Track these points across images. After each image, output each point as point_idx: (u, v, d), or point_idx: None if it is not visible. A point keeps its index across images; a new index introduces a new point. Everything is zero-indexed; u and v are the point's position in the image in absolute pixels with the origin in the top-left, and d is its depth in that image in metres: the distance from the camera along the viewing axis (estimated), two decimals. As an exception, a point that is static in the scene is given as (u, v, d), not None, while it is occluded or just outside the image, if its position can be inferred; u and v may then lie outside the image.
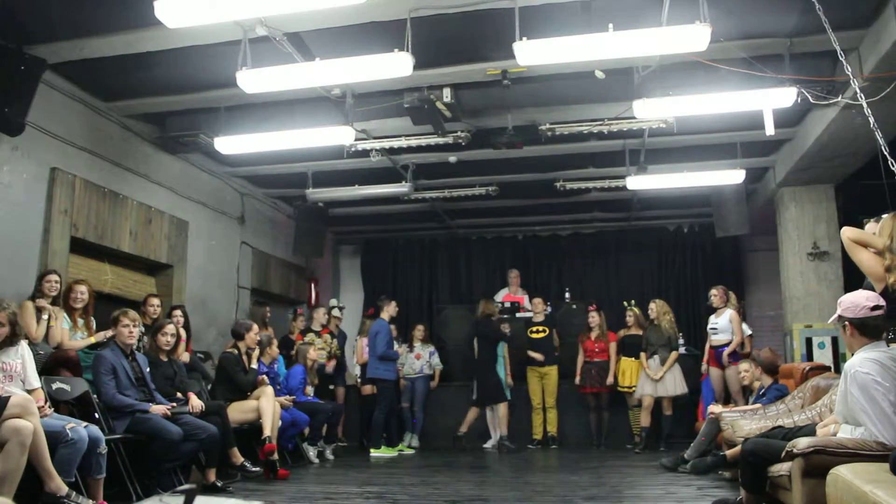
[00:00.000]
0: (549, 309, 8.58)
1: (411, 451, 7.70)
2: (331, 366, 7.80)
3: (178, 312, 6.09)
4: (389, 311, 7.60)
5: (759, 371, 5.54)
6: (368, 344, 7.64)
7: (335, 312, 8.49)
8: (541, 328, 8.11)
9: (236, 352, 5.98)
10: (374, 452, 7.28)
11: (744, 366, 5.82)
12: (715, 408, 5.72)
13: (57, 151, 5.53)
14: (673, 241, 10.24)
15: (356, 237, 11.13)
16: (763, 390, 5.49)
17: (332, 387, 7.83)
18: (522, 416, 8.01)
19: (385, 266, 10.99)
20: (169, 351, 5.26)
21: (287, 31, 4.65)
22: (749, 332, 7.22)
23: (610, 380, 7.66)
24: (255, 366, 6.00)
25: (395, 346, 8.12)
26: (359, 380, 8.08)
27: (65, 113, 5.60)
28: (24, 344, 3.92)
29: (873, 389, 2.78)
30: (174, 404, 4.79)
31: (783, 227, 7.74)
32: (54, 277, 4.93)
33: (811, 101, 5.22)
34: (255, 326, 6.20)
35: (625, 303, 8.11)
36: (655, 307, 7.54)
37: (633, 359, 7.63)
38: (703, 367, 7.21)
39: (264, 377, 5.91)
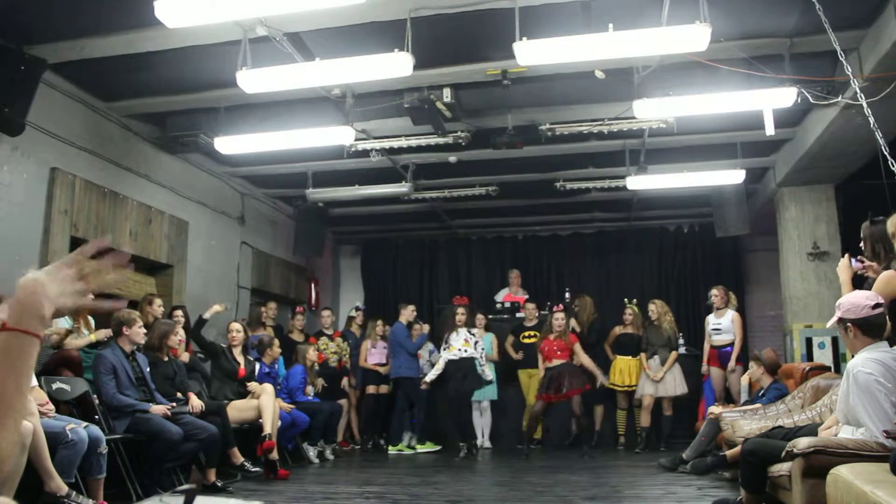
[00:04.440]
0: (544, 313, 8.58)
1: (411, 451, 7.73)
2: (340, 367, 7.87)
3: (178, 313, 6.10)
4: (406, 314, 7.95)
5: (762, 371, 5.54)
6: (389, 347, 7.97)
7: (353, 313, 8.70)
8: (532, 332, 8.09)
9: (223, 345, 6.20)
10: (391, 450, 7.58)
11: (752, 369, 5.79)
12: (715, 408, 5.71)
13: (57, 151, 5.53)
14: (673, 241, 10.23)
15: (356, 237, 11.13)
16: (762, 390, 5.50)
17: (344, 387, 7.90)
18: (515, 416, 8.04)
19: (385, 266, 10.98)
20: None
21: (287, 31, 4.65)
22: None
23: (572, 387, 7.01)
24: (239, 358, 6.13)
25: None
26: (352, 382, 8.10)
27: (65, 113, 5.60)
28: None
29: (875, 390, 2.78)
30: (174, 404, 4.79)
31: (783, 227, 7.74)
32: None
33: (811, 101, 5.22)
34: (235, 325, 6.33)
35: (626, 300, 8.09)
36: (656, 308, 7.53)
37: (628, 357, 7.61)
38: (704, 367, 7.21)
39: (265, 385, 5.93)
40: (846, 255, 3.59)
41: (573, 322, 7.77)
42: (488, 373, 7.32)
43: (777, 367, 5.65)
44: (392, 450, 7.58)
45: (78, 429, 3.68)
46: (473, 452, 7.10)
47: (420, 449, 7.74)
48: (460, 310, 7.40)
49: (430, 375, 7.21)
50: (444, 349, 7.25)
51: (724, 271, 9.55)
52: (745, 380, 6.18)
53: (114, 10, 4.48)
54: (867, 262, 3.46)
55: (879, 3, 4.53)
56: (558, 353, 7.11)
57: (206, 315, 6.07)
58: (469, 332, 7.30)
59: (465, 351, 7.16)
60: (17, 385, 1.00)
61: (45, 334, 1.09)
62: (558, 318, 7.27)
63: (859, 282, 3.55)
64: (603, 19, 4.23)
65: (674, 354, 7.35)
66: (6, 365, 1.00)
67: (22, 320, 1.04)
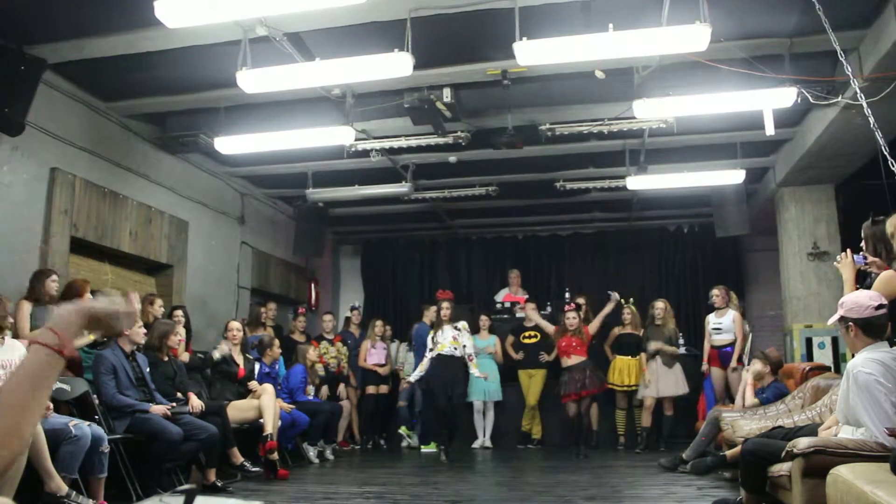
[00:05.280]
0: (547, 310, 8.58)
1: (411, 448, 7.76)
2: (339, 371, 7.89)
3: (179, 312, 6.08)
4: (430, 315, 7.79)
5: (769, 369, 5.54)
6: (416, 348, 7.93)
7: (352, 314, 8.67)
8: (532, 333, 8.10)
9: (226, 348, 6.07)
10: (424, 448, 7.66)
11: (756, 366, 5.73)
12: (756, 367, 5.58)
13: (57, 151, 5.53)
14: (673, 241, 10.24)
15: (356, 237, 11.13)
16: (763, 389, 5.49)
17: (339, 394, 7.91)
18: (515, 416, 8.04)
19: (385, 266, 10.99)
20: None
21: (287, 31, 4.65)
22: (747, 329, 7.22)
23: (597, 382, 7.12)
24: (238, 359, 6.08)
25: (394, 346, 8.41)
26: (352, 382, 8.12)
27: (65, 113, 5.60)
28: (16, 341, 3.94)
29: (875, 390, 2.78)
30: (174, 404, 4.79)
31: (783, 227, 7.74)
32: (54, 277, 4.90)
33: (811, 101, 5.22)
34: (234, 323, 6.28)
35: (622, 300, 8.08)
36: (665, 307, 7.47)
37: (628, 357, 7.60)
38: (704, 366, 7.21)
39: (266, 385, 5.91)
40: (847, 252, 3.59)
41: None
42: (475, 371, 6.89)
43: (779, 366, 5.66)
44: (425, 448, 7.63)
45: (81, 425, 3.71)
46: (446, 455, 6.58)
47: (424, 449, 7.73)
48: (445, 304, 6.81)
49: (415, 375, 6.97)
50: (431, 350, 6.76)
51: (725, 271, 9.54)
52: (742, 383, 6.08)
53: (114, 10, 4.48)
54: (871, 258, 3.46)
55: (879, 3, 4.53)
56: (577, 348, 7.16)
57: (216, 354, 5.95)
58: (455, 328, 6.75)
59: (455, 349, 6.67)
60: (42, 401, 1.02)
61: None
62: (570, 316, 7.29)
63: (862, 277, 3.55)
64: (603, 19, 4.23)
65: (671, 348, 7.35)
66: (42, 382, 1.02)
67: (70, 345, 1.06)
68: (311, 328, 8.57)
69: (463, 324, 6.89)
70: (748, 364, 6.25)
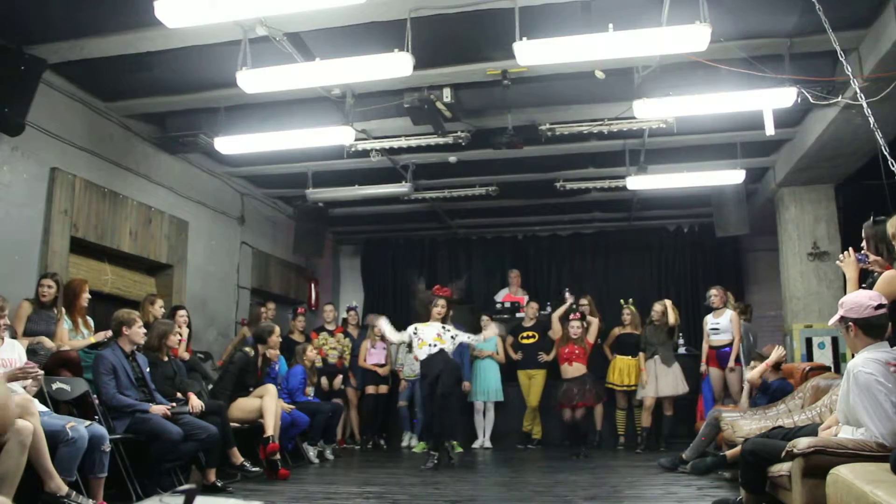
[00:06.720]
0: (546, 310, 8.58)
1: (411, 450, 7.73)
2: (340, 364, 7.85)
3: (182, 312, 6.07)
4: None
5: (768, 368, 5.54)
6: None
7: (348, 314, 8.60)
8: (531, 333, 8.10)
9: (252, 353, 5.97)
10: (416, 449, 7.57)
11: (756, 370, 5.70)
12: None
13: (57, 151, 5.53)
14: (673, 241, 10.24)
15: (356, 237, 11.14)
16: (767, 386, 5.49)
17: (343, 387, 7.88)
18: (515, 416, 8.03)
19: (385, 266, 10.99)
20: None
21: (287, 31, 4.65)
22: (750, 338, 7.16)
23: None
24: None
25: (393, 347, 8.27)
26: (353, 382, 8.10)
27: (65, 113, 5.61)
28: (16, 341, 3.95)
29: (876, 390, 2.78)
30: (174, 404, 4.79)
31: (783, 227, 7.74)
32: (47, 282, 4.87)
33: (811, 101, 5.22)
34: (277, 329, 6.17)
35: (622, 300, 8.08)
36: (670, 308, 7.44)
37: (628, 357, 7.59)
38: (703, 367, 7.21)
39: (268, 386, 5.89)
40: (850, 250, 3.59)
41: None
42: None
43: (782, 362, 5.68)
44: (417, 449, 7.52)
45: (78, 426, 3.68)
46: (452, 458, 6.22)
47: (417, 449, 7.70)
48: (441, 302, 6.36)
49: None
50: (416, 343, 6.31)
51: (724, 271, 9.55)
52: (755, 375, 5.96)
53: (114, 10, 4.49)
54: (872, 257, 3.46)
55: (879, 3, 4.53)
56: (578, 356, 7.22)
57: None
58: (443, 327, 6.31)
59: (435, 346, 6.19)
60: None
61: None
62: (574, 325, 7.33)
63: (863, 276, 3.55)
64: (603, 19, 4.23)
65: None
66: None
67: None
68: (310, 328, 8.55)
69: (451, 327, 6.45)
70: (746, 366, 6.27)
